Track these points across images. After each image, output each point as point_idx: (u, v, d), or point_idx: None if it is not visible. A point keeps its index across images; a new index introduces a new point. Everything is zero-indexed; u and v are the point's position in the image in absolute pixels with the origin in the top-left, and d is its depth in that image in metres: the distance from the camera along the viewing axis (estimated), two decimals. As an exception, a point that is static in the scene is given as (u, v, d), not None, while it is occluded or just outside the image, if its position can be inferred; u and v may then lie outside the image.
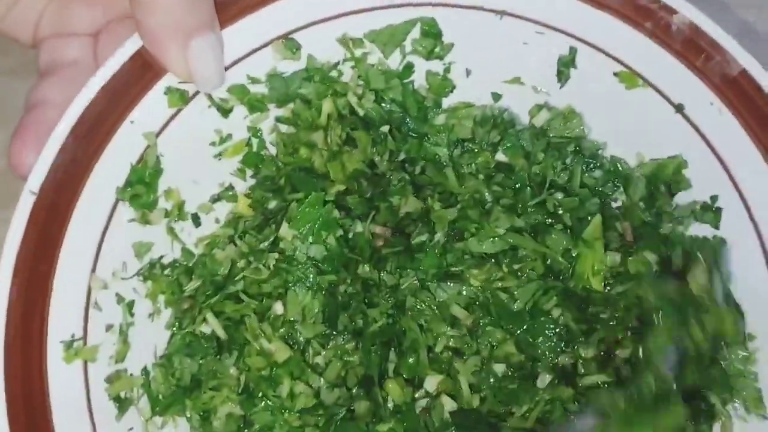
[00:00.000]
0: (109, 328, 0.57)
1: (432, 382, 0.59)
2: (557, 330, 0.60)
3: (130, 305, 0.59)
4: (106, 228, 0.57)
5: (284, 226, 0.58)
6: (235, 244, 0.61)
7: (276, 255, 0.59)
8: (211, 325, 0.59)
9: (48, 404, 0.51)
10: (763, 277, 0.58)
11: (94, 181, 0.56)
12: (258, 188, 0.64)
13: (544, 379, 0.59)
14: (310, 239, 0.58)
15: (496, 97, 0.66)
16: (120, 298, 0.58)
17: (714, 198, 0.60)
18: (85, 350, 0.54)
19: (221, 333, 0.59)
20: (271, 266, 0.59)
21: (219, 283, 0.60)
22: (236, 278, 0.59)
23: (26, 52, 0.65)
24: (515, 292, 0.60)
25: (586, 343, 0.60)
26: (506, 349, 0.59)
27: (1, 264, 0.52)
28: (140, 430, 0.58)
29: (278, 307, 0.58)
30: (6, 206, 0.55)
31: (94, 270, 0.56)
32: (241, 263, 0.60)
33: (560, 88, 0.64)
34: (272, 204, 0.63)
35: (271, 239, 0.59)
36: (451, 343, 0.60)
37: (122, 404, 0.56)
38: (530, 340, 0.60)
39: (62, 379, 0.53)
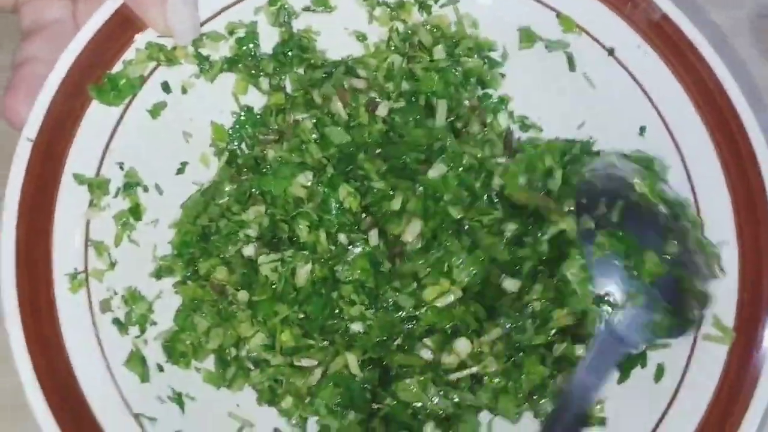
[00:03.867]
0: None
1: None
2: None
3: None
4: (99, 168, 0.61)
5: None
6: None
7: None
8: None
9: (60, 332, 0.56)
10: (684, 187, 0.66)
11: (86, 127, 0.60)
12: None
13: None
14: None
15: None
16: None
17: (642, 128, 0.68)
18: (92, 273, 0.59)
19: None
20: None
21: None
22: None
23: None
24: None
25: None
26: None
27: (5, 204, 0.56)
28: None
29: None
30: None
31: (91, 205, 0.60)
32: None
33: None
34: None
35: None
36: None
37: (121, 327, 0.61)
38: None
39: (70, 308, 0.57)
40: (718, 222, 0.63)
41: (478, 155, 0.67)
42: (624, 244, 0.60)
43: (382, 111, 0.68)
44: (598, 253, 0.60)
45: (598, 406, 0.64)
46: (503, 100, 0.74)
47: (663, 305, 0.60)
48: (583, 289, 0.61)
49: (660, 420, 0.61)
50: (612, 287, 0.60)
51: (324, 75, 0.70)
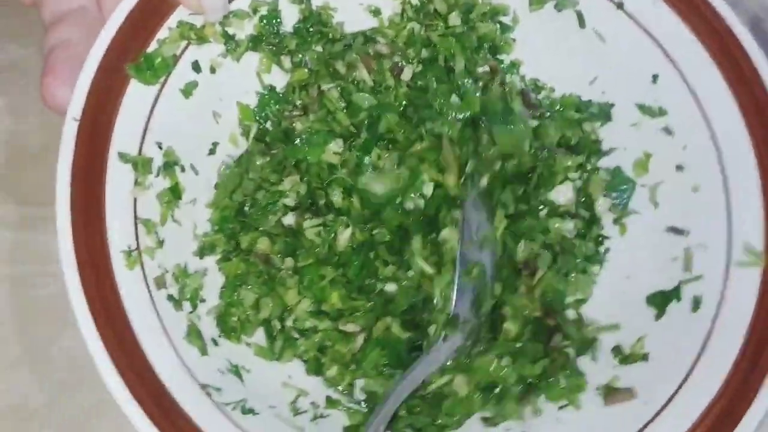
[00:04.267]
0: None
1: None
2: None
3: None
4: (140, 148, 0.61)
5: None
6: None
7: None
8: None
9: (124, 309, 0.56)
10: (704, 137, 0.69)
11: (126, 106, 0.61)
12: None
13: None
14: None
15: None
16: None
17: (655, 76, 0.71)
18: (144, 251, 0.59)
19: None
20: None
21: None
22: None
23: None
24: None
25: None
26: None
27: (57, 183, 0.56)
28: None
29: None
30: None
31: (136, 184, 0.61)
32: None
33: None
34: None
35: None
36: None
37: (176, 303, 0.61)
38: None
39: (129, 285, 0.57)
40: (738, 158, 0.66)
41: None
42: (483, 277, 0.63)
43: (406, 75, 0.70)
44: (465, 279, 0.63)
45: (639, 343, 0.66)
46: (515, 65, 0.77)
47: (479, 336, 0.63)
48: (443, 304, 0.63)
49: (702, 349, 0.63)
50: (461, 311, 0.63)
51: (344, 47, 0.72)
